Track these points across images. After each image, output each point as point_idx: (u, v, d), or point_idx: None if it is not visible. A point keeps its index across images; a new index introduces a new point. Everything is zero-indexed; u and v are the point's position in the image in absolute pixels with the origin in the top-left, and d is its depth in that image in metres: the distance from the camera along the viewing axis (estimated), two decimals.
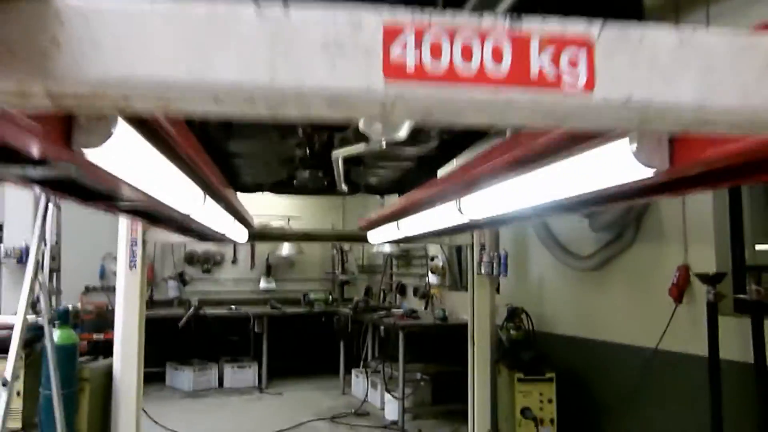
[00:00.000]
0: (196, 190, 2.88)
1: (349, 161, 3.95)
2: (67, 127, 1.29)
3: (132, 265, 6.34)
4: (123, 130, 1.39)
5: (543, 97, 0.88)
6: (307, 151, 3.65)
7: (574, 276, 6.26)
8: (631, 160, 1.67)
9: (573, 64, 0.88)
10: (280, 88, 0.82)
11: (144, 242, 6.40)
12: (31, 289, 5.51)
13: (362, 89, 0.84)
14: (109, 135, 1.31)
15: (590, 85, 0.89)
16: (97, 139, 1.30)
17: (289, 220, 10.92)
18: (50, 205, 8.37)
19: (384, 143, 2.90)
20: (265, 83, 0.82)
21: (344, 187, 4.65)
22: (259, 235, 6.47)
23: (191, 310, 9.26)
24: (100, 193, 2.56)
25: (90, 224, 8.14)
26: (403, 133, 2.58)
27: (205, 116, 0.88)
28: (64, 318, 5.91)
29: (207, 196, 3.01)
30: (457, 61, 0.85)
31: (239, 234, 5.37)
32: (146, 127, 1.60)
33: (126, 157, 1.59)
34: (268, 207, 10.86)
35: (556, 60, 0.88)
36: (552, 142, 1.97)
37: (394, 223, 4.99)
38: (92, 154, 1.35)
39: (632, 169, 1.70)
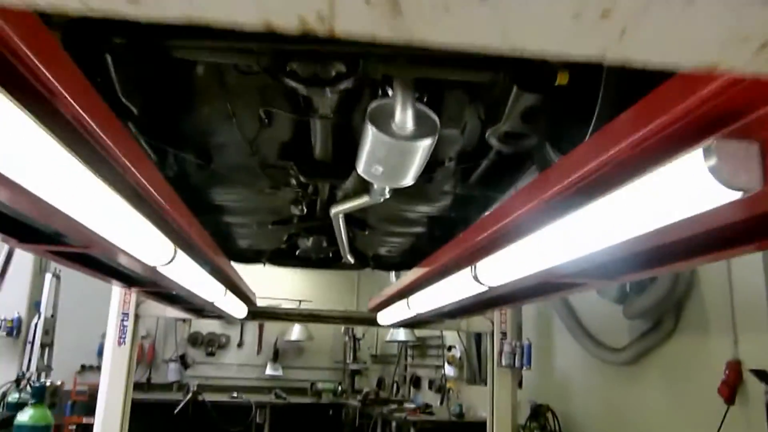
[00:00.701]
0: (165, 241, 2.45)
1: (354, 224, 3.52)
2: None
3: (121, 341, 5.86)
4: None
5: None
6: (304, 209, 3.23)
7: (606, 370, 5.62)
8: (706, 179, 1.21)
9: None
10: None
11: (137, 316, 5.96)
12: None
13: None
14: None
15: None
16: None
17: (300, 302, 10.42)
18: (48, 275, 8.03)
19: (387, 191, 2.47)
20: None
21: (349, 258, 4.20)
22: (260, 312, 5.98)
23: (189, 395, 8.64)
24: (42, 233, 2.15)
25: (91, 298, 7.68)
26: (408, 179, 2.15)
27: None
28: (38, 396, 5.39)
29: (178, 249, 2.57)
30: None
31: (235, 308, 4.90)
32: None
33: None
34: (278, 289, 10.42)
35: None
36: (594, 171, 1.52)
37: (404, 300, 4.50)
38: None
39: (709, 192, 1.23)
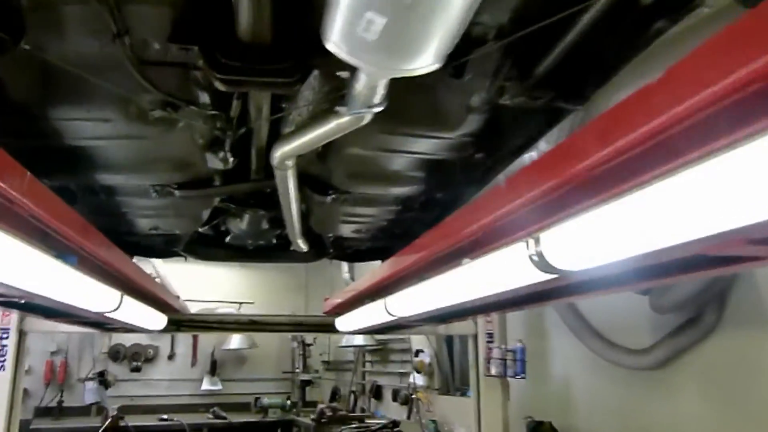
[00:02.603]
0: None
1: (311, 185, 2.31)
2: None
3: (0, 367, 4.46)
4: None
5: None
6: (228, 158, 1.99)
7: (622, 376, 4.56)
8: None
9: None
10: None
11: (21, 333, 4.57)
12: None
13: None
14: None
15: None
16: None
17: (240, 306, 9.10)
18: None
19: (379, 95, 1.26)
20: None
21: (301, 243, 2.97)
22: (185, 322, 4.68)
23: (108, 421, 7.21)
24: None
25: None
26: (427, 55, 0.97)
27: None
28: None
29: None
30: None
31: (145, 318, 3.60)
32: None
33: None
34: (213, 291, 9.10)
35: None
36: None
37: (377, 302, 3.31)
38: None
39: None
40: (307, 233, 3.01)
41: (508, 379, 5.05)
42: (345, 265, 8.65)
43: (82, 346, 8.43)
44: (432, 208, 2.64)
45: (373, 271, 3.19)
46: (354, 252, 3.50)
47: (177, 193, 2.26)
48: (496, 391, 5.02)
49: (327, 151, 2.00)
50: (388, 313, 3.00)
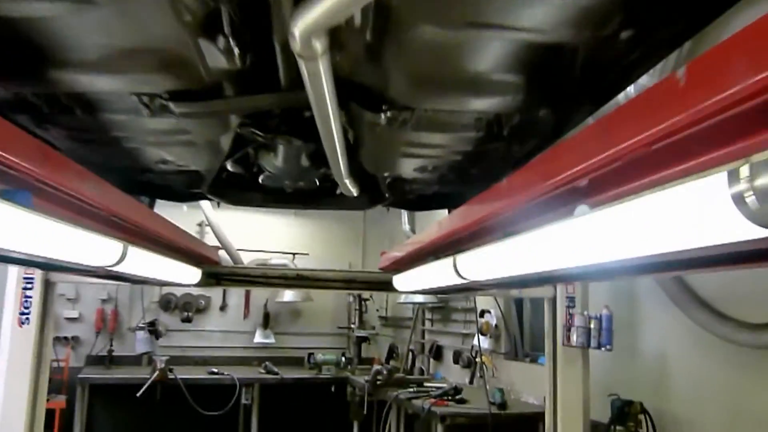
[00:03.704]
0: None
1: (359, 99, 1.66)
2: None
3: (24, 320, 4.06)
4: None
5: None
6: (237, 58, 1.36)
7: (733, 355, 3.81)
8: None
9: None
10: None
11: (47, 283, 4.16)
12: None
13: None
14: None
15: None
16: None
17: (293, 257, 8.65)
18: None
19: None
20: None
21: (349, 186, 2.34)
22: (224, 276, 4.16)
23: (155, 373, 6.91)
24: None
25: None
26: None
27: None
28: None
29: None
30: None
31: (168, 272, 3.07)
32: None
33: None
34: (269, 241, 8.66)
35: None
36: None
37: (439, 262, 2.67)
38: None
39: None
40: (358, 172, 2.38)
41: (589, 350, 4.37)
42: (405, 215, 8.01)
43: (132, 294, 8.15)
44: (527, 135, 1.94)
45: (440, 221, 2.55)
46: (417, 198, 2.83)
47: (173, 106, 1.66)
48: (575, 363, 4.36)
49: (382, 37, 1.34)
50: (458, 274, 2.35)
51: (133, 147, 2.15)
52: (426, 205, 2.96)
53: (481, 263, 2.21)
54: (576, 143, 1.44)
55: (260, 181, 2.60)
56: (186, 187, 2.61)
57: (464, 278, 2.34)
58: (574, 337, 4.23)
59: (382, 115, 1.68)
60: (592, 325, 4.24)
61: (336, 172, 2.16)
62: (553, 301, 4.52)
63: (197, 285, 3.90)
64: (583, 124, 1.87)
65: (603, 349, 4.23)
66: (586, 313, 4.32)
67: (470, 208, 2.12)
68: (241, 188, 2.79)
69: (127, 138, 2.06)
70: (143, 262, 2.57)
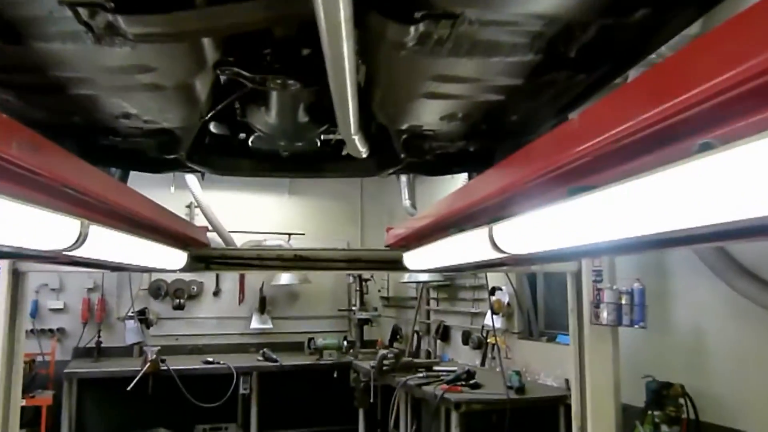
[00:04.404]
0: None
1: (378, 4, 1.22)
2: None
3: None
4: None
5: None
6: None
7: None
8: None
9: None
10: None
11: (16, 273, 3.74)
12: None
13: None
14: None
15: None
16: None
17: (289, 237, 8.22)
18: None
19: None
20: None
21: (358, 143, 1.90)
22: (215, 259, 3.74)
23: (146, 365, 6.50)
24: None
25: None
26: None
27: None
28: None
29: None
30: None
31: (144, 256, 2.64)
32: None
33: None
34: (262, 221, 8.25)
35: None
36: None
37: (465, 234, 2.25)
38: None
39: None
40: (368, 127, 1.94)
41: (619, 328, 3.98)
42: (405, 190, 7.59)
43: (120, 282, 7.72)
44: (601, 57, 1.50)
45: (467, 185, 2.12)
46: (436, 159, 2.35)
47: (123, 23, 1.21)
48: (605, 343, 3.96)
49: None
50: (496, 247, 1.93)
51: (83, 95, 1.70)
52: (445, 168, 2.51)
53: (529, 233, 1.79)
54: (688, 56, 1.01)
55: (250, 144, 2.16)
56: (159, 152, 2.14)
57: (503, 251, 1.92)
58: (604, 315, 3.84)
59: (412, 29, 1.24)
60: (623, 301, 3.85)
61: (343, 125, 1.72)
62: (577, 275, 4.12)
63: (183, 270, 3.47)
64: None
65: (636, 326, 3.84)
66: (615, 287, 3.92)
67: (520, 159, 1.69)
68: (227, 154, 2.34)
69: (73, 81, 1.61)
70: (112, 245, 2.13)
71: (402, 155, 2.21)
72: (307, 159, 2.38)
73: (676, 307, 4.16)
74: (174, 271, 3.54)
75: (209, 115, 1.93)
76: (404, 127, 2.01)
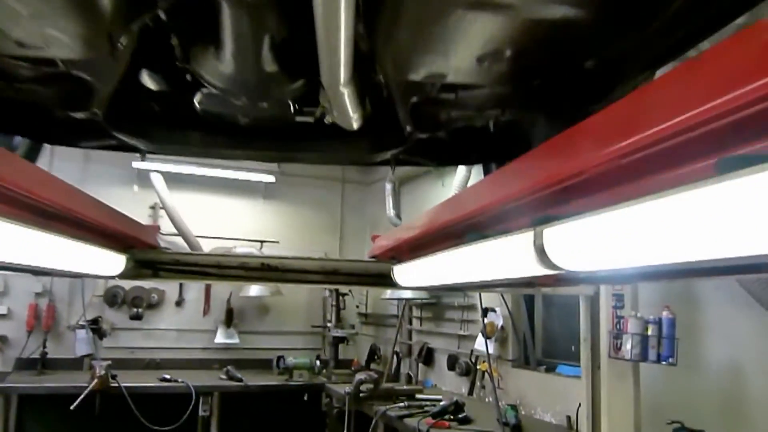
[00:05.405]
0: None
1: None
2: None
3: None
4: None
5: None
6: None
7: None
8: None
9: None
10: None
11: None
12: None
13: None
14: None
15: None
16: None
17: (261, 245, 7.57)
18: None
19: None
20: None
21: (348, 106, 1.27)
22: (165, 264, 3.08)
23: (93, 381, 5.78)
24: None
25: None
26: None
27: None
28: None
29: None
30: None
31: (61, 259, 1.98)
32: None
33: None
34: (233, 228, 7.61)
35: None
36: None
37: (491, 242, 1.64)
38: None
39: None
40: (363, 87, 1.33)
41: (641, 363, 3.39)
42: (390, 199, 6.96)
43: (72, 288, 6.99)
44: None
45: (495, 173, 1.50)
46: (455, 136, 1.70)
47: None
48: (625, 380, 3.39)
49: None
50: (544, 260, 1.32)
51: None
52: (462, 153, 1.87)
53: (594, 242, 1.18)
54: None
55: (197, 105, 1.54)
56: (65, 106, 1.50)
57: (556, 266, 1.31)
58: (627, 347, 3.25)
59: None
60: (649, 332, 3.27)
61: (329, 66, 1.11)
62: (593, 299, 3.54)
63: (123, 276, 2.80)
64: None
65: (664, 363, 3.25)
66: (640, 315, 3.33)
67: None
68: (168, 123, 1.71)
69: None
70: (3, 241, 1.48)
71: (408, 128, 1.59)
72: (276, 131, 1.75)
73: (708, 341, 3.58)
74: (110, 278, 2.88)
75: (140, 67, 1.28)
76: (420, 77, 1.38)
